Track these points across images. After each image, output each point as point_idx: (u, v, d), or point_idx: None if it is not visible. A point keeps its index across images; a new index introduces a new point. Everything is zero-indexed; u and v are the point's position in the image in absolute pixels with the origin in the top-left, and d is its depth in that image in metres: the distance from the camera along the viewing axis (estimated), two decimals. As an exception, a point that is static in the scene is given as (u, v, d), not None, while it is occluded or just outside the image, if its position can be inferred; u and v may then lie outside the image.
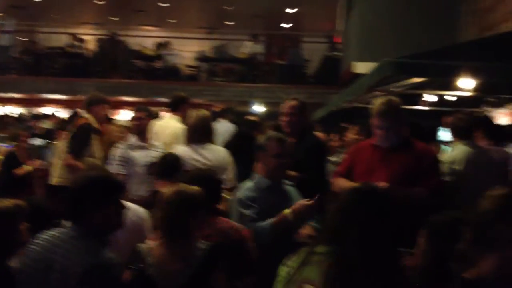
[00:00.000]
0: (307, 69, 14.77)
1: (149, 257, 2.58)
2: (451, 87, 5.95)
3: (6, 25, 15.51)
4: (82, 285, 2.11)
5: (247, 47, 14.93)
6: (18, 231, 2.38)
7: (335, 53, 13.64)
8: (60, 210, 2.55)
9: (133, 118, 4.93)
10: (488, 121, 5.02)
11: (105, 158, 5.09)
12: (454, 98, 6.65)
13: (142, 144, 4.84)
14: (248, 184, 3.45)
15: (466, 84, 5.23)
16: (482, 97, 6.29)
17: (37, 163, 6.83)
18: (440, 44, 6.94)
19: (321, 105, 9.17)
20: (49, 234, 2.30)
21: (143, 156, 4.75)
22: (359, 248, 2.09)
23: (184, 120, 5.11)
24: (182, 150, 4.32)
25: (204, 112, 4.62)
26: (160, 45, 15.25)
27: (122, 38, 15.18)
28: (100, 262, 2.16)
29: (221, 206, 3.32)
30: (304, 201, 3.22)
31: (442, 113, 6.19)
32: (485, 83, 5.53)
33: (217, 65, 15.64)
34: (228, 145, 5.13)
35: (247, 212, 3.26)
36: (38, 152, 7.60)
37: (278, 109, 4.58)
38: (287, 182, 3.54)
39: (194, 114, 4.53)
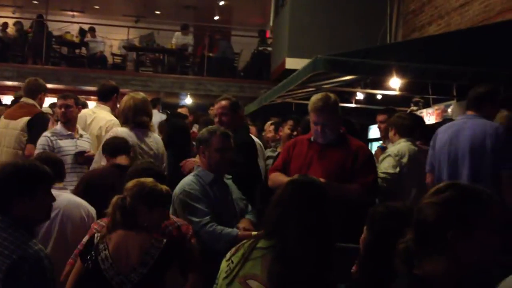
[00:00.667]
0: (238, 63, 14.76)
1: (105, 251, 2.59)
2: (381, 86, 6.15)
3: None
4: (9, 278, 2.05)
5: (177, 38, 14.70)
6: None
7: (267, 48, 13.69)
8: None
9: (61, 106, 4.65)
10: (422, 121, 5.21)
11: None
12: (380, 97, 6.89)
13: (69, 132, 4.63)
14: (191, 178, 3.41)
15: (395, 83, 5.42)
16: (410, 96, 6.55)
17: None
18: (369, 44, 7.17)
19: (252, 99, 9.19)
20: None
21: (70, 145, 4.57)
22: (298, 241, 2.11)
23: (114, 111, 4.94)
24: (127, 134, 4.15)
25: (142, 94, 4.52)
26: (84, 32, 14.70)
27: (45, 22, 14.47)
28: (28, 254, 2.10)
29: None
30: None
31: (371, 111, 6.38)
32: (413, 83, 5.76)
33: (145, 55, 15.31)
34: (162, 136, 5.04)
35: (200, 206, 3.23)
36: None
37: (207, 101, 4.59)
38: (226, 176, 3.54)
39: (132, 95, 4.38)
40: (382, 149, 4.94)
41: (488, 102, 3.85)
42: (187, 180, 3.40)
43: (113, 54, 15.12)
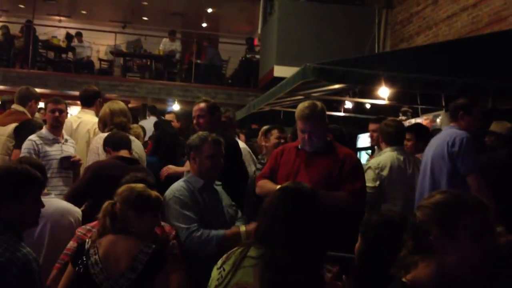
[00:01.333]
0: (226, 70, 14.75)
1: (95, 256, 2.64)
2: (370, 95, 6.16)
3: None
4: None
5: (165, 44, 14.66)
6: None
7: (255, 55, 13.70)
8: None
9: (54, 110, 4.60)
10: (417, 128, 5.22)
11: None
12: (369, 106, 6.90)
13: (54, 137, 4.59)
14: (181, 183, 3.37)
15: (384, 93, 5.43)
16: (399, 106, 6.57)
17: None
18: (357, 53, 7.19)
19: (240, 107, 9.17)
20: None
21: (56, 150, 4.54)
22: (287, 248, 2.10)
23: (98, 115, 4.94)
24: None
25: (122, 104, 4.66)
26: (71, 37, 14.60)
27: (31, 27, 14.35)
28: (16, 257, 2.12)
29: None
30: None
31: (359, 120, 6.38)
32: (401, 93, 5.77)
33: (132, 61, 15.24)
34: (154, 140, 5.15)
35: (188, 213, 3.20)
36: None
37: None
38: (216, 182, 3.52)
39: (109, 103, 4.57)
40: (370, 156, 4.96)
41: (465, 114, 3.94)
42: (177, 186, 3.36)
43: (100, 60, 15.03)
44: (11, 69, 13.43)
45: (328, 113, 3.86)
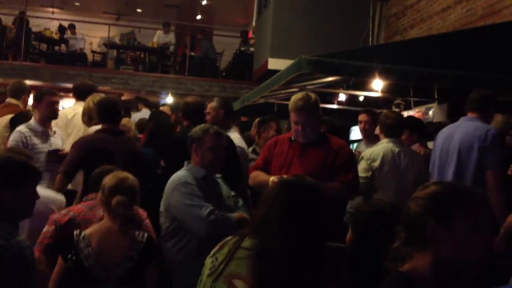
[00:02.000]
0: (220, 63, 14.70)
1: (88, 248, 2.72)
2: (364, 87, 6.16)
3: None
4: None
5: (158, 37, 14.59)
6: None
7: (249, 48, 13.66)
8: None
9: (54, 102, 4.57)
10: (414, 120, 5.21)
11: None
12: (362, 98, 6.90)
13: (43, 129, 4.54)
14: (183, 172, 3.36)
15: (378, 85, 5.43)
16: (392, 98, 6.57)
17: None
18: (351, 46, 7.19)
19: (234, 100, 9.14)
20: None
21: (44, 143, 4.50)
22: (279, 240, 2.08)
23: None
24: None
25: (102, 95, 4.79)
26: (63, 28, 14.50)
27: (24, 18, 14.24)
28: (10, 244, 2.13)
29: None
30: None
31: (353, 112, 6.38)
32: (395, 85, 5.78)
33: (125, 53, 15.15)
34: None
35: (199, 194, 3.19)
36: None
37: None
38: (216, 175, 3.51)
39: (91, 98, 4.67)
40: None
41: (489, 106, 3.93)
42: (181, 173, 3.34)
43: (93, 52, 14.94)
44: (4, 61, 13.32)
45: (321, 105, 3.86)
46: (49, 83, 12.68)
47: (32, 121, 4.54)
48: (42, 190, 3.32)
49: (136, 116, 7.83)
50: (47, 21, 15.43)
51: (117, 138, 4.12)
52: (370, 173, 4.15)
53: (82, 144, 4.02)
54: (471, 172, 3.75)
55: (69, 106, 5.52)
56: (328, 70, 5.03)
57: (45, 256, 2.88)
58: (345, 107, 7.09)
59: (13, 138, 4.41)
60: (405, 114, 6.74)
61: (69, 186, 4.14)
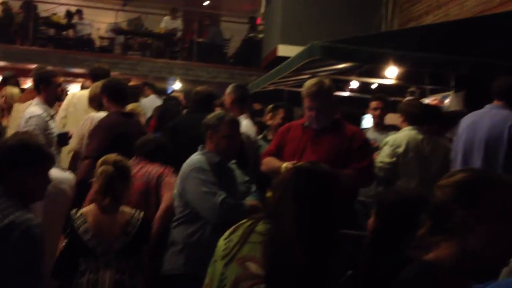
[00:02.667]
0: (228, 49, 14.60)
1: (85, 224, 2.96)
2: (377, 74, 6.06)
3: None
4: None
5: (166, 22, 14.49)
6: None
7: (257, 35, 13.55)
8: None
9: (60, 84, 4.63)
10: (436, 109, 5.13)
11: None
12: (375, 86, 6.80)
13: (54, 112, 4.61)
14: (198, 156, 3.34)
15: (392, 72, 5.33)
16: (406, 86, 6.46)
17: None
18: (363, 33, 7.06)
19: (242, 86, 9.08)
20: None
21: (55, 126, 4.55)
22: (293, 226, 2.05)
23: None
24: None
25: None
26: (71, 14, 14.45)
27: (32, 3, 14.19)
28: (20, 221, 2.13)
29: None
30: None
31: (365, 100, 6.28)
32: (409, 73, 5.67)
33: (132, 39, 15.08)
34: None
35: (213, 180, 3.20)
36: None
37: (197, 87, 4.68)
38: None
39: (98, 83, 4.63)
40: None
41: None
42: (196, 158, 3.33)
43: (100, 37, 14.88)
44: (12, 46, 13.29)
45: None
46: (57, 68, 12.59)
47: (43, 105, 4.47)
48: (56, 173, 3.44)
49: (143, 102, 7.81)
50: (55, 6, 15.36)
51: (130, 120, 4.27)
52: (394, 158, 4.13)
53: (107, 128, 4.05)
54: (501, 163, 3.68)
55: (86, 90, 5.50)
56: (341, 56, 4.95)
57: None
58: (357, 95, 7.00)
59: (36, 122, 4.32)
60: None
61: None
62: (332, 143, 3.50)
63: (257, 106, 7.43)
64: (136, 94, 8.08)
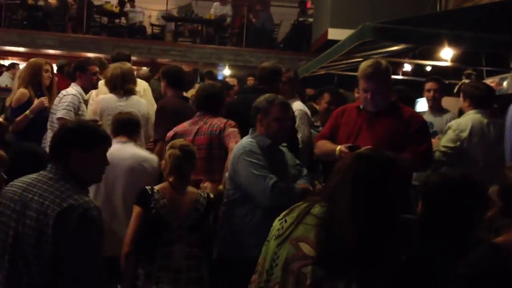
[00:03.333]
0: (277, 34, 14.55)
1: (162, 200, 3.21)
2: (431, 56, 5.92)
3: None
4: (58, 225, 2.13)
5: (216, 9, 14.57)
6: None
7: (307, 19, 13.43)
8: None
9: (97, 73, 4.86)
10: (495, 91, 5.00)
11: None
12: (429, 68, 6.65)
13: (86, 97, 4.82)
14: (248, 140, 3.36)
15: (447, 54, 5.20)
16: (462, 68, 6.28)
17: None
18: (417, 14, 6.89)
19: (292, 71, 9.04)
20: (28, 176, 2.33)
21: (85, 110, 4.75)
22: (349, 211, 2.02)
23: None
24: (114, 99, 4.56)
25: (129, 65, 4.91)
26: (123, 2, 14.73)
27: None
28: (78, 204, 2.17)
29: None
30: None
31: (418, 83, 6.16)
32: (465, 54, 5.52)
33: (183, 26, 15.24)
34: None
35: (264, 164, 3.21)
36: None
37: (246, 72, 4.68)
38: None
39: (119, 65, 4.76)
40: None
41: None
42: (246, 141, 3.35)
43: (152, 25, 15.12)
44: (66, 34, 13.67)
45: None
46: (110, 55, 12.92)
47: (80, 89, 4.69)
48: (136, 149, 3.81)
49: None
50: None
51: (187, 103, 4.52)
52: (458, 143, 4.06)
53: (170, 110, 4.29)
54: None
55: None
56: (394, 37, 4.86)
57: None
58: (411, 78, 6.85)
59: (71, 100, 4.51)
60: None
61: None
62: (388, 126, 3.43)
63: (310, 91, 7.38)
64: (191, 82, 8.23)
